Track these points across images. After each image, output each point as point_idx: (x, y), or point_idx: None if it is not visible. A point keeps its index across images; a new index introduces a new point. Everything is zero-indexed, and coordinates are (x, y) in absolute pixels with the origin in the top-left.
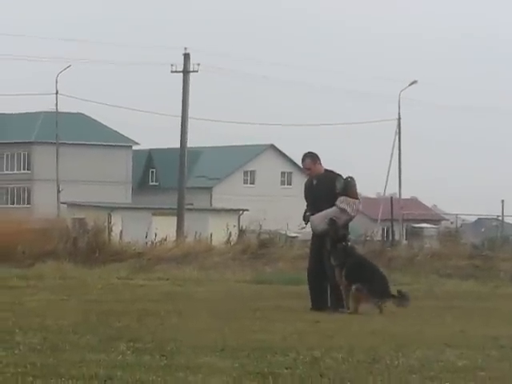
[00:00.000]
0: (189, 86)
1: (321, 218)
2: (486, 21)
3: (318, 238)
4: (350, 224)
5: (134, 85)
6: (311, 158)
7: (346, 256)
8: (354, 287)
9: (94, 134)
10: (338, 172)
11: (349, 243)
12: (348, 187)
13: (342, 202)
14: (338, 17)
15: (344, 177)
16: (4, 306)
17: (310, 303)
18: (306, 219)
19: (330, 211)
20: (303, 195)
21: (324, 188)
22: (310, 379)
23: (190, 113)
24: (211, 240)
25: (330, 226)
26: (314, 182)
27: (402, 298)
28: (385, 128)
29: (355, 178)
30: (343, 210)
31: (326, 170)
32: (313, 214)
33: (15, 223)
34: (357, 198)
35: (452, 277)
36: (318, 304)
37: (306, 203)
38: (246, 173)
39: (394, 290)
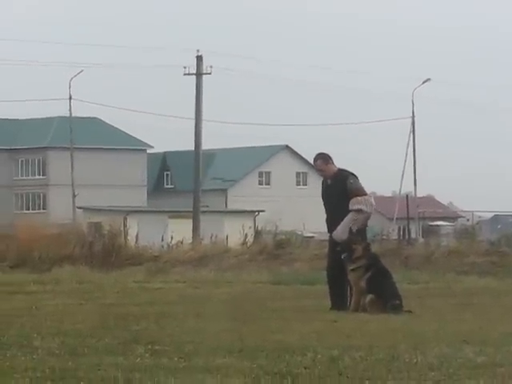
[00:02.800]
0: (202, 88)
1: (342, 229)
2: (498, 18)
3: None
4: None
5: (147, 88)
6: (322, 158)
7: (371, 261)
8: (369, 297)
9: (108, 138)
10: (350, 171)
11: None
12: (353, 189)
13: (354, 203)
14: (349, 18)
15: (355, 175)
16: (22, 311)
17: (330, 303)
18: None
19: (347, 219)
20: (320, 194)
21: (337, 188)
22: (328, 378)
23: (204, 115)
24: (227, 242)
25: (360, 235)
26: (329, 182)
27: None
28: (399, 126)
29: (356, 175)
30: (359, 211)
31: (340, 169)
32: (334, 229)
33: (32, 228)
34: (365, 194)
35: (469, 274)
36: (338, 304)
37: (323, 203)
38: (261, 174)
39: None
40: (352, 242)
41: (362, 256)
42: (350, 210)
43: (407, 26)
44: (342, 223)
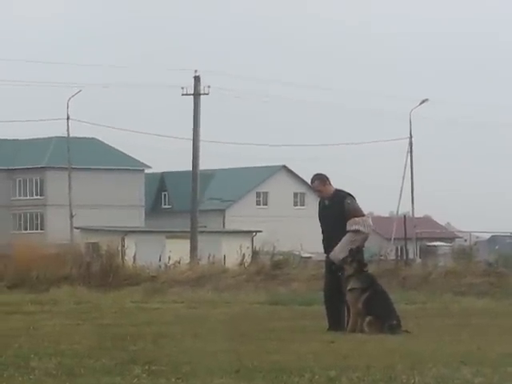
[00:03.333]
0: (200, 108)
1: (339, 250)
2: (497, 38)
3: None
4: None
5: (145, 108)
6: (320, 179)
7: (368, 283)
8: (367, 319)
9: (106, 158)
10: (347, 191)
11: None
12: (350, 210)
13: (352, 224)
14: (347, 36)
15: (353, 196)
16: (19, 332)
17: (327, 324)
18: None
19: (344, 240)
20: (317, 215)
21: (334, 209)
22: None
23: (202, 135)
24: (225, 262)
25: (351, 256)
26: (326, 202)
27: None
28: (397, 147)
29: (354, 196)
30: (357, 231)
31: (337, 190)
32: (330, 250)
33: (29, 248)
34: (363, 215)
35: (467, 294)
36: (335, 324)
37: (320, 224)
38: (258, 194)
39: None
40: (344, 263)
41: (353, 275)
42: (348, 231)
43: (407, 39)
44: (340, 244)
